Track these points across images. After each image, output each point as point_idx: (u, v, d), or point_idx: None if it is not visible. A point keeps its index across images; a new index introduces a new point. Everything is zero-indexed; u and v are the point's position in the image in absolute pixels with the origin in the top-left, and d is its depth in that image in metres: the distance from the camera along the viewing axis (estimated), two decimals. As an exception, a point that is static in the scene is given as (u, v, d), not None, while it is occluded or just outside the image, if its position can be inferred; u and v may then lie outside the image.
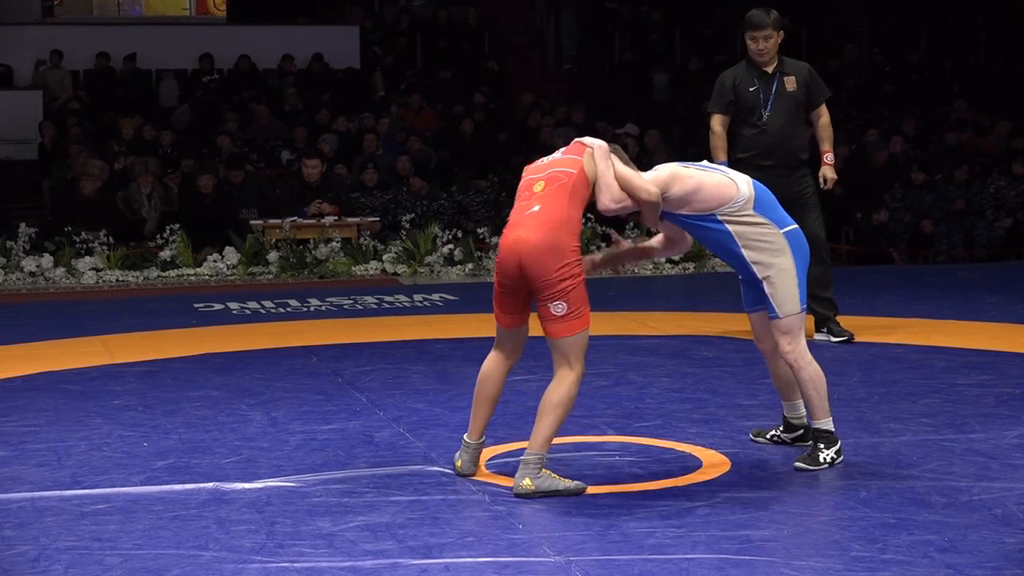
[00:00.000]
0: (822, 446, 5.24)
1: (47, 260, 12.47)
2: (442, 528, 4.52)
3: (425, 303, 10.46)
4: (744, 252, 5.18)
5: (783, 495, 4.86)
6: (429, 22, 19.58)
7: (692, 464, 5.33)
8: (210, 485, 5.10)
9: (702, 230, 5.23)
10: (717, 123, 7.97)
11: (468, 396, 6.63)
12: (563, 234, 4.98)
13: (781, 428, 5.61)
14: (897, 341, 8.10)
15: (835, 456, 5.24)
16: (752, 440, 5.65)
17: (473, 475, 5.20)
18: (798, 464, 5.23)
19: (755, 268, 5.19)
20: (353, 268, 12.60)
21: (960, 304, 9.70)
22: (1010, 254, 14.24)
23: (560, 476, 4.98)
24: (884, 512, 4.64)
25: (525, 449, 5.00)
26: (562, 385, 5.01)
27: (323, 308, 10.22)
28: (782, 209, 5.30)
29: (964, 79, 19.16)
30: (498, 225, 13.67)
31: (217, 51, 18.13)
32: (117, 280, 12.39)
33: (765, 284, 5.19)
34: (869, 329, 8.38)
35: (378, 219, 13.56)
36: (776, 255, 5.17)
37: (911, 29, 20.45)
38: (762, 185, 5.32)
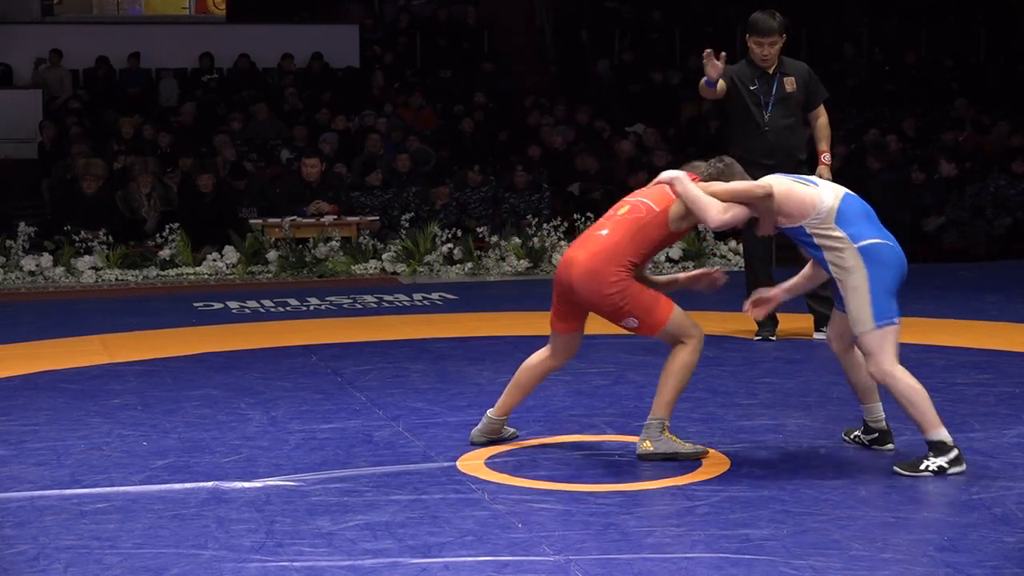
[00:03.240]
0: (931, 454, 5.05)
1: (46, 259, 12.47)
2: (441, 527, 4.51)
3: (424, 302, 10.46)
4: (830, 266, 5.14)
5: (783, 494, 4.85)
6: (429, 21, 19.59)
7: (692, 463, 5.33)
8: (209, 484, 5.09)
9: (800, 243, 5.22)
10: None
11: (467, 395, 6.69)
12: (609, 266, 5.19)
13: (862, 429, 5.52)
14: (897, 340, 8.09)
15: (945, 465, 5.02)
16: (843, 441, 5.57)
17: (482, 444, 5.54)
18: (896, 468, 5.09)
19: (837, 284, 5.14)
20: (352, 267, 12.61)
21: (960, 303, 9.70)
22: (1010, 253, 14.24)
23: (682, 440, 5.33)
24: (884, 511, 4.64)
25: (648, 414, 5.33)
26: (679, 354, 5.28)
27: (322, 307, 10.22)
28: (868, 222, 5.16)
29: (964, 78, 19.16)
30: (497, 224, 13.69)
31: (217, 50, 18.14)
32: (116, 279, 12.39)
33: (843, 299, 5.13)
34: (869, 328, 8.37)
35: (377, 218, 13.57)
36: (847, 272, 5.08)
37: (911, 29, 20.47)
38: (855, 196, 5.23)
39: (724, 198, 5.19)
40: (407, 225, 13.11)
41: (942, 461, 5.03)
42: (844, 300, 5.13)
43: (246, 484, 5.08)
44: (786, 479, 5.07)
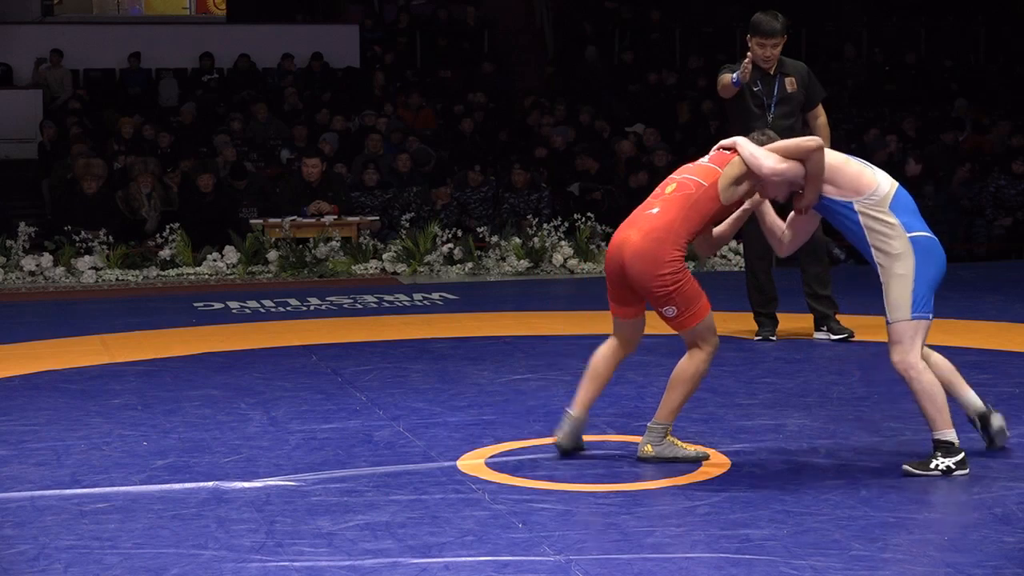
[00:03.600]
0: (939, 454, 5.05)
1: (47, 259, 12.48)
2: (442, 527, 4.51)
3: (425, 302, 10.46)
4: (871, 249, 5.12)
5: (783, 494, 4.85)
6: (429, 21, 19.59)
7: (692, 463, 5.32)
8: (210, 484, 5.09)
9: (842, 217, 5.18)
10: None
11: (467, 396, 6.68)
12: (665, 245, 5.12)
13: (979, 424, 5.43)
14: (897, 340, 8.08)
15: (952, 466, 5.02)
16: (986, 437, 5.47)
17: (569, 450, 5.39)
18: (905, 467, 5.08)
19: (878, 268, 5.12)
20: (353, 267, 12.61)
21: (960, 303, 9.69)
22: (1010, 253, 14.24)
23: (684, 443, 5.33)
24: (884, 511, 4.63)
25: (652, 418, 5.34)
26: (692, 361, 5.25)
27: (323, 307, 10.21)
28: (916, 216, 5.16)
29: (963, 78, 19.17)
30: (497, 224, 13.69)
31: (217, 50, 18.15)
32: (117, 279, 12.39)
33: (882, 285, 5.11)
34: (869, 328, 8.36)
35: (378, 218, 13.57)
36: (894, 258, 5.06)
37: (911, 29, 20.48)
38: (904, 190, 5.22)
39: (779, 154, 5.21)
40: (407, 225, 13.12)
41: (949, 461, 5.04)
42: (884, 286, 5.10)
43: (246, 484, 5.08)
44: (786, 479, 5.07)
